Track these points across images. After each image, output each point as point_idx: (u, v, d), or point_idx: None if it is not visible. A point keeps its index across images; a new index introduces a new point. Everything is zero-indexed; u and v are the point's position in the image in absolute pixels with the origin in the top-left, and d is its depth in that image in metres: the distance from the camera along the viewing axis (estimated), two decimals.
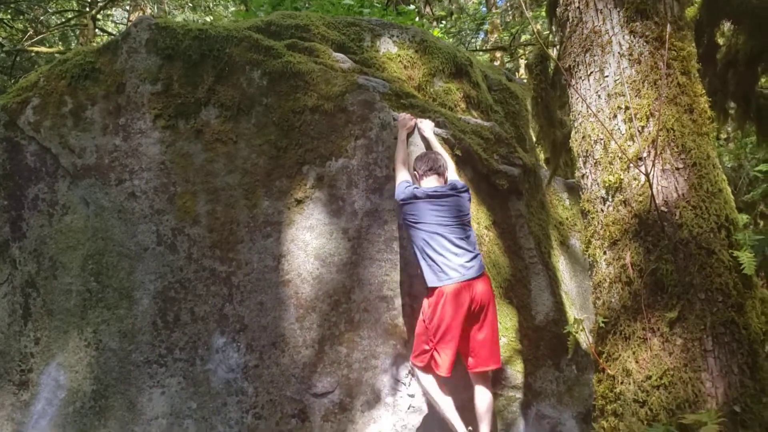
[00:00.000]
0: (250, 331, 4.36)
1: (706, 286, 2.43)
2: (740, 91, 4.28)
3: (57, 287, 4.50)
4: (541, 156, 5.82)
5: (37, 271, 4.53)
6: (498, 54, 12.83)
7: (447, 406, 3.79)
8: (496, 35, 12.91)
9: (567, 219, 5.14)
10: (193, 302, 4.42)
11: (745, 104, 4.36)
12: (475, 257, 3.82)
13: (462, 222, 3.91)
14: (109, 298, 4.45)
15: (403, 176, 4.11)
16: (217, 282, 4.43)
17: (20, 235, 4.58)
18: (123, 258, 4.47)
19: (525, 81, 6.86)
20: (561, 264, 4.88)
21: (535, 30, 3.66)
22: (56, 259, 4.52)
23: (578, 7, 2.99)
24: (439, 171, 4.05)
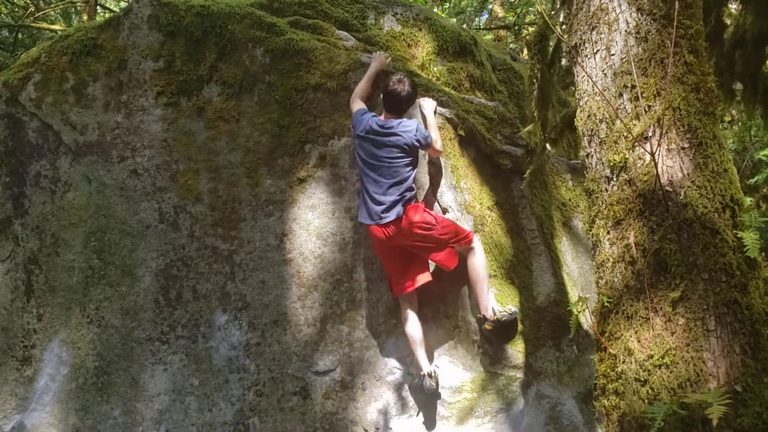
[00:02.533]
0: (252, 309, 4.37)
1: (710, 266, 2.42)
2: (747, 71, 4.23)
3: (59, 264, 4.51)
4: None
5: (39, 247, 4.53)
6: (502, 32, 12.72)
7: (413, 341, 4.06)
8: (501, 14, 12.79)
9: (569, 200, 5.12)
10: (195, 280, 4.43)
11: (752, 85, 4.32)
12: (393, 205, 3.97)
13: (395, 165, 3.99)
14: (111, 275, 4.46)
15: (358, 105, 4.25)
16: (219, 260, 4.44)
17: (22, 211, 4.58)
18: (125, 235, 4.48)
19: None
20: (563, 245, 4.87)
21: (539, 5, 3.62)
22: (58, 236, 4.53)
23: None
24: (396, 110, 4.14)
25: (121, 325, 4.41)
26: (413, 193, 4.08)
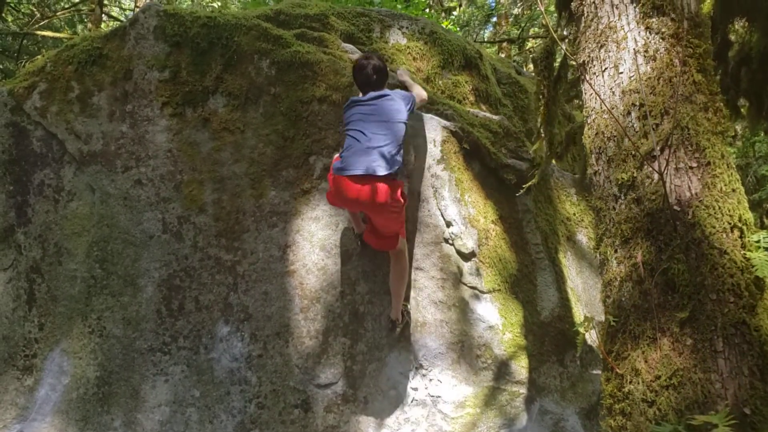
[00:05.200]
0: (254, 320, 4.35)
1: (718, 286, 2.41)
2: (753, 89, 4.24)
3: (62, 273, 4.49)
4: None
5: (42, 256, 4.52)
6: (505, 45, 12.77)
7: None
8: (505, 27, 12.84)
9: (574, 215, 5.12)
10: (198, 291, 4.41)
11: (758, 102, 4.33)
12: (377, 164, 3.79)
13: (387, 128, 3.92)
14: (113, 285, 4.44)
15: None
16: (222, 271, 4.43)
17: (26, 220, 4.56)
18: (128, 245, 4.46)
19: (533, 74, 6.82)
20: (567, 260, 4.86)
21: (546, 22, 3.62)
22: (61, 245, 4.51)
23: (593, 2, 2.96)
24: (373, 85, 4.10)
25: (122, 335, 4.39)
26: (399, 167, 3.95)
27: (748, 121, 4.61)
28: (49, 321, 4.47)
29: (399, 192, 3.91)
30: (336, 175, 3.86)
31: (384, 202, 3.81)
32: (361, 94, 4.16)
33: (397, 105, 3.97)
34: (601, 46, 2.90)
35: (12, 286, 4.55)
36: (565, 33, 4.56)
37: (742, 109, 4.87)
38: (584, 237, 5.05)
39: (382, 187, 3.78)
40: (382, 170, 3.77)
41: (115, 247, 4.47)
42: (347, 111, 4.07)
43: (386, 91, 4.09)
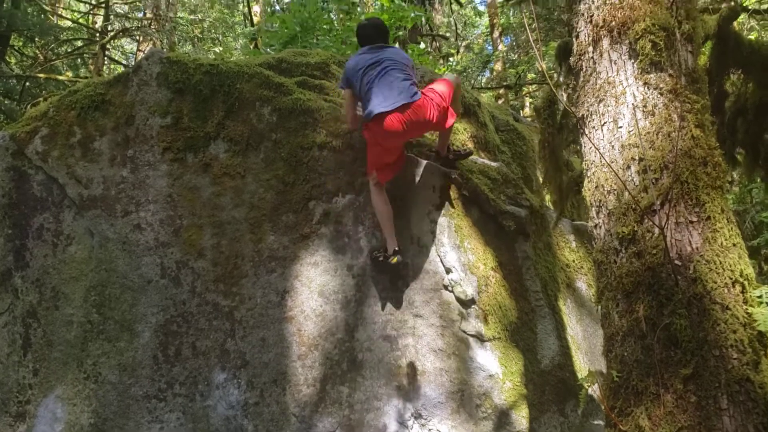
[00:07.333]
0: (251, 367, 4.30)
1: (721, 342, 2.40)
2: (749, 139, 4.29)
3: (58, 318, 4.45)
4: (547, 197, 5.82)
5: (38, 301, 4.48)
6: (502, 91, 12.95)
7: (387, 216, 4.30)
8: (501, 71, 13.03)
9: (573, 261, 5.12)
10: (195, 336, 4.37)
11: (754, 152, 4.38)
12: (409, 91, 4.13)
13: (398, 72, 4.24)
14: (110, 330, 4.40)
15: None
16: (220, 316, 4.39)
17: (23, 264, 4.54)
18: (126, 290, 4.43)
19: (531, 120, 6.90)
20: (567, 307, 4.84)
21: (542, 68, 3.68)
22: (58, 289, 4.48)
23: (592, 58, 3.01)
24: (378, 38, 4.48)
25: (118, 382, 4.33)
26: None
27: (744, 170, 4.65)
28: (44, 366, 4.42)
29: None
30: (370, 119, 4.09)
31: (426, 117, 4.10)
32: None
33: (399, 52, 4.38)
34: (600, 101, 2.94)
35: (8, 330, 4.51)
36: (564, 79, 4.63)
37: (738, 157, 4.91)
38: (584, 284, 5.04)
39: (417, 104, 4.07)
40: (411, 96, 4.07)
41: (112, 291, 4.44)
42: (359, 67, 4.27)
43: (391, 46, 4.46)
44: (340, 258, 4.43)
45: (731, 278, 2.51)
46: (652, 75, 2.82)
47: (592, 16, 3.02)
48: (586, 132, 2.99)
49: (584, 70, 3.07)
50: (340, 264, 4.43)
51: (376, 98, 4.08)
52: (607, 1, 2.97)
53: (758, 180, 5.29)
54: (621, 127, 2.83)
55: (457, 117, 4.94)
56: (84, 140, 4.64)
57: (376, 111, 4.03)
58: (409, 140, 4.49)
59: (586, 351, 4.79)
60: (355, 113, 4.48)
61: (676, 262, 2.54)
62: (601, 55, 2.95)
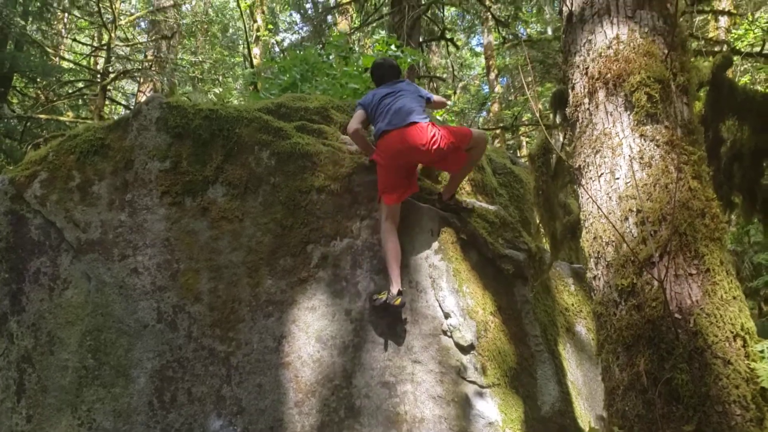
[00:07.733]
0: (247, 414, 4.24)
1: (723, 398, 2.37)
2: (745, 184, 4.31)
3: (53, 363, 4.40)
4: (544, 239, 5.82)
5: (34, 346, 4.43)
6: (499, 131, 13.07)
7: (393, 255, 4.32)
8: (497, 111, 13.15)
9: (572, 305, 5.09)
10: (191, 382, 4.32)
11: (750, 197, 4.39)
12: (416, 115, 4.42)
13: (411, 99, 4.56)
14: (105, 375, 4.35)
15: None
16: (216, 362, 4.34)
17: (19, 308, 4.51)
18: (122, 335, 4.39)
19: (527, 161, 6.93)
20: (567, 352, 4.80)
21: (537, 114, 3.71)
22: (54, 334, 4.44)
23: (588, 109, 3.04)
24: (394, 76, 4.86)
25: (112, 428, 4.26)
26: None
27: (741, 214, 4.67)
28: (37, 413, 4.35)
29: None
30: (377, 137, 4.44)
31: (426, 142, 4.26)
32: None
33: (414, 86, 4.70)
34: (597, 152, 2.96)
35: (2, 376, 4.44)
36: (557, 121, 4.68)
37: (735, 199, 4.93)
38: (583, 328, 5.01)
39: (421, 126, 4.30)
40: (416, 118, 4.35)
41: (108, 336, 4.40)
42: (375, 98, 4.59)
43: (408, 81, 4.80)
44: (338, 302, 4.41)
45: (732, 332, 2.50)
46: (648, 127, 2.84)
47: (587, 68, 3.06)
48: (583, 183, 3.00)
49: (580, 121, 3.09)
50: (338, 308, 4.40)
51: (386, 119, 4.41)
52: (603, 54, 3.01)
53: (756, 221, 5.31)
54: (618, 178, 2.84)
55: (473, 170, 5.03)
56: (83, 184, 4.65)
57: (382, 129, 4.40)
58: (415, 163, 4.61)
59: (586, 396, 4.73)
60: (358, 125, 4.62)
61: (676, 315, 2.52)
62: (597, 107, 2.97)
